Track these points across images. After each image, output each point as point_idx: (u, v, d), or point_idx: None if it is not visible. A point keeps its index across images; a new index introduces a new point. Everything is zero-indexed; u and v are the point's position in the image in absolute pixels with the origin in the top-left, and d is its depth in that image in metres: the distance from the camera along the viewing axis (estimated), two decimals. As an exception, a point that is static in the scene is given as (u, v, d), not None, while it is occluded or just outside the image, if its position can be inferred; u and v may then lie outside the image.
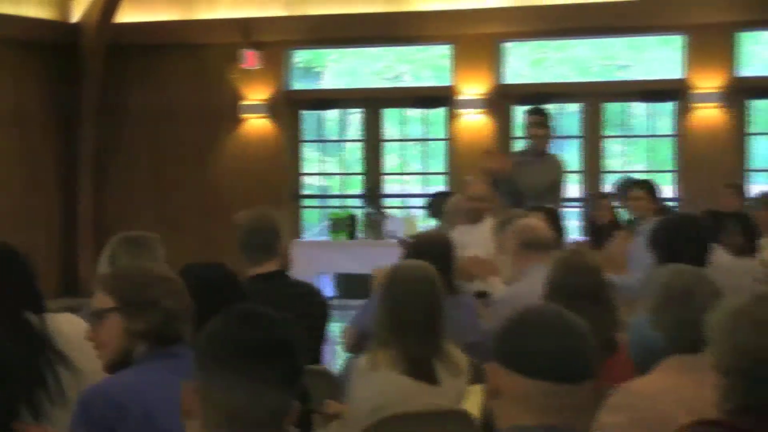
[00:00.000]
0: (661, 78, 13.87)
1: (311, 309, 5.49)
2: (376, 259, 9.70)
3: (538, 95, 13.49)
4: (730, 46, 13.29)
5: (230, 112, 14.78)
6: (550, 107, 12.43)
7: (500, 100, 13.99)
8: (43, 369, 3.85)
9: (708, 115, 13.30)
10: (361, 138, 15.12)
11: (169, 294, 3.42)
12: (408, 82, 15.56)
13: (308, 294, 5.64)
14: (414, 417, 4.29)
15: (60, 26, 14.35)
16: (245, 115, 14.81)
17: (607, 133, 14.08)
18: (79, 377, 3.85)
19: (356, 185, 15.32)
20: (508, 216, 7.19)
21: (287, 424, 2.46)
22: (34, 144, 14.32)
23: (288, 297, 5.29)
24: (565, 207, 10.70)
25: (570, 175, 11.75)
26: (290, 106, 14.92)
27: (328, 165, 15.91)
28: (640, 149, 14.50)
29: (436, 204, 10.76)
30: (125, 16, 14.57)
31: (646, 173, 12.98)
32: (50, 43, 14.27)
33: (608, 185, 12.76)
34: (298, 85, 15.27)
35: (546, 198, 9.24)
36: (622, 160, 14.34)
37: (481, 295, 6.81)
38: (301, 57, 15.46)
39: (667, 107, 13.68)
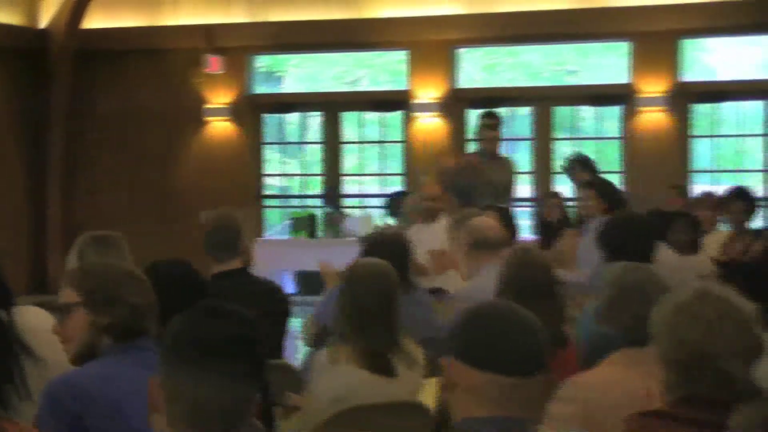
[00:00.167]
0: (608, 83, 13.92)
1: (273, 305, 5.48)
2: (336, 256, 9.66)
3: (490, 99, 13.51)
4: (674, 53, 13.37)
5: (194, 115, 14.72)
6: (503, 111, 12.48)
7: (454, 103, 14.01)
8: (10, 363, 3.82)
9: (653, 118, 13.37)
10: (320, 140, 15.09)
11: (133, 289, 3.40)
12: (366, 86, 15.56)
13: (270, 290, 5.63)
14: (372, 409, 4.29)
15: (28, 32, 14.21)
16: (209, 118, 14.75)
17: (557, 135, 14.12)
18: (45, 370, 3.82)
19: (316, 186, 15.30)
20: (462, 215, 7.20)
21: (250, 417, 2.45)
22: (4, 148, 14.17)
23: (251, 293, 5.28)
24: (517, 206, 10.74)
25: (521, 175, 11.80)
26: (252, 110, 14.88)
27: (289, 166, 15.88)
28: (589, 151, 14.51)
29: (394, 203, 10.79)
30: (92, 22, 14.47)
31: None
32: (19, 49, 14.14)
33: (558, 185, 12.81)
34: (260, 89, 15.22)
35: (498, 198, 9.26)
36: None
37: (436, 291, 6.82)
38: (262, 62, 15.42)
39: (614, 111, 13.75)
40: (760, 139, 13.62)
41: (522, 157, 14.02)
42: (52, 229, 14.44)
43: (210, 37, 14.30)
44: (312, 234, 13.64)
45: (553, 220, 10.28)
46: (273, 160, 15.59)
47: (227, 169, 14.61)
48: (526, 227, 11.15)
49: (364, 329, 4.48)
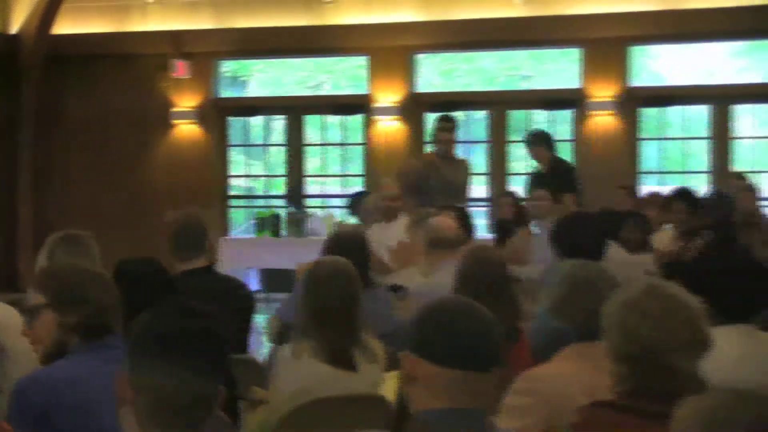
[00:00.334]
0: (561, 87, 13.97)
1: (238, 302, 5.46)
2: (299, 255, 9.65)
3: (448, 103, 13.52)
4: (623, 59, 13.44)
5: (162, 118, 14.65)
6: (459, 114, 12.50)
7: (413, 107, 14.01)
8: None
9: (603, 121, 13.44)
10: (284, 142, 15.07)
11: (98, 289, 3.39)
12: (328, 90, 15.52)
13: (235, 288, 5.62)
14: (333, 402, 4.28)
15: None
16: (176, 121, 14.69)
17: (512, 138, 14.15)
18: (14, 365, 3.78)
19: (280, 186, 15.27)
20: (421, 214, 7.21)
21: (214, 408, 2.44)
22: (-24, 149, 14.06)
23: (216, 291, 5.26)
24: (473, 206, 10.74)
25: (478, 176, 11.82)
26: (218, 113, 14.83)
27: (253, 168, 15.82)
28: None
29: (355, 203, 10.76)
30: (62, 27, 14.36)
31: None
32: (-10, 54, 14.03)
33: (513, 186, 12.83)
34: (226, 93, 15.17)
35: (455, 198, 9.27)
36: (525, 163, 14.40)
37: (396, 288, 6.81)
38: (228, 67, 15.36)
39: (566, 114, 13.79)
40: (704, 142, 13.71)
41: (478, 158, 14.05)
42: (22, 228, 14.31)
43: (177, 42, 14.24)
44: (276, 233, 13.60)
45: (507, 219, 10.28)
46: (238, 162, 15.54)
47: (194, 171, 14.55)
48: (482, 226, 11.16)
49: (325, 325, 4.47)
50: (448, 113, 10.95)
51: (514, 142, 14.08)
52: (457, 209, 7.85)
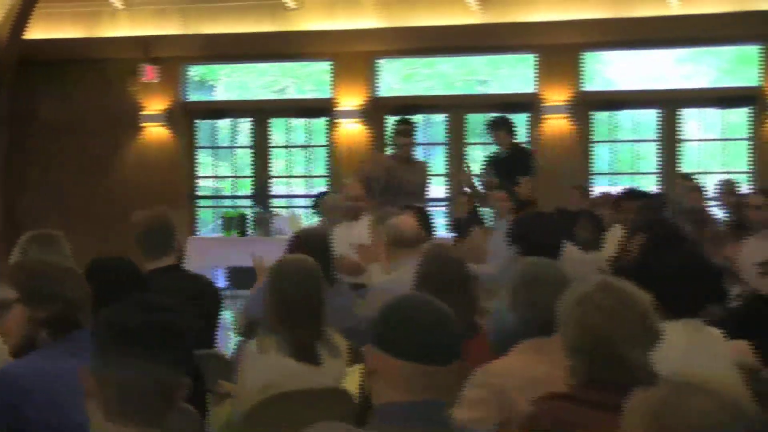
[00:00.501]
0: (516, 92, 14.02)
1: (206, 299, 5.43)
2: (265, 253, 9.61)
3: (408, 107, 13.54)
4: (576, 65, 13.51)
5: (131, 121, 14.59)
6: (419, 117, 12.51)
7: (375, 110, 14.01)
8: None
9: (557, 125, 13.50)
10: (250, 145, 15.04)
11: (67, 284, 3.36)
12: (293, 94, 15.51)
13: (203, 285, 5.59)
14: (298, 395, 4.26)
15: (-28, 42, 13.97)
16: (145, 124, 14.63)
17: (469, 140, 14.18)
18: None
19: (246, 187, 15.23)
20: (382, 214, 7.21)
21: (178, 400, 2.42)
22: (-50, 150, 13.91)
23: (185, 288, 5.23)
24: (432, 206, 10.75)
25: (436, 177, 11.83)
26: (186, 116, 14.77)
27: (220, 169, 15.77)
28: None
29: (320, 203, 10.73)
30: (34, 33, 14.23)
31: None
32: (-36, 58, 13.88)
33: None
34: (193, 96, 15.11)
35: (415, 198, 9.28)
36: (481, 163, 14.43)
37: (357, 286, 6.82)
38: (195, 71, 15.30)
39: (521, 118, 13.82)
40: (653, 145, 13.80)
41: (437, 160, 14.07)
42: (-5, 227, 14.20)
43: (146, 48, 14.18)
44: (242, 232, 13.55)
45: (462, 218, 10.28)
46: (205, 163, 15.48)
47: (163, 172, 14.50)
48: (441, 225, 11.18)
49: (290, 320, 4.45)
50: (406, 117, 10.96)
51: (471, 144, 14.10)
52: (418, 209, 7.86)
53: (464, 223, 10.03)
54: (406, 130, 10.10)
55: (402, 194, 9.25)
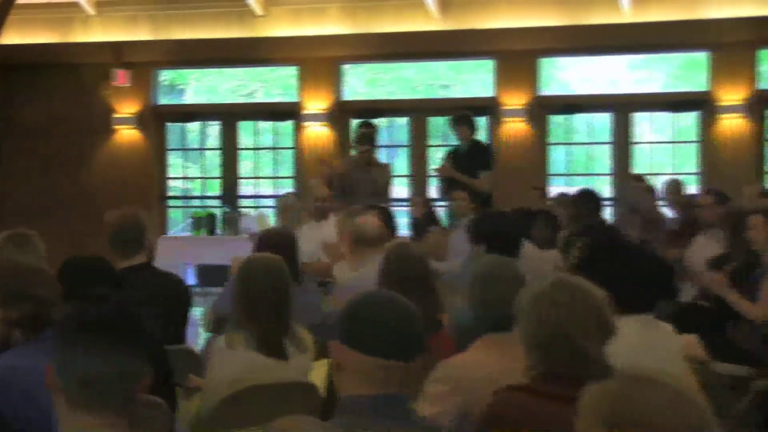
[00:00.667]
0: (476, 96, 14.03)
1: (176, 295, 5.41)
2: (233, 251, 9.59)
3: (372, 110, 13.53)
4: (533, 70, 13.55)
5: (104, 124, 14.49)
6: (383, 121, 12.51)
7: (340, 114, 13.99)
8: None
9: (515, 127, 13.53)
10: (219, 147, 14.98)
11: (39, 284, 3.33)
12: (260, 98, 15.45)
13: (173, 282, 5.56)
14: (265, 388, 4.25)
15: (-51, 47, 13.82)
16: (117, 127, 14.55)
17: (431, 142, 14.19)
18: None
19: (215, 188, 15.17)
20: (347, 213, 7.21)
21: (138, 391, 2.42)
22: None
23: (155, 285, 5.21)
24: (395, 206, 10.76)
25: (399, 178, 11.84)
26: (157, 119, 14.69)
27: (190, 170, 15.70)
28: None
29: (276, 204, 10.70)
30: (9, 38, 14.09)
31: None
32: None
33: (432, 187, 12.86)
34: (164, 100, 15.04)
35: (378, 198, 9.29)
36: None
37: (323, 284, 6.82)
38: (166, 76, 15.23)
39: (482, 121, 13.84)
40: (607, 147, 13.87)
41: (400, 161, 14.08)
42: (-30, 228, 14.04)
43: (118, 53, 14.10)
44: (211, 231, 13.51)
45: (418, 218, 10.27)
46: (176, 165, 15.41)
47: (134, 173, 14.43)
48: (403, 225, 11.18)
49: (258, 316, 4.44)
50: (369, 120, 10.96)
51: (433, 146, 14.12)
52: (381, 209, 7.86)
53: (420, 223, 10.04)
54: (366, 135, 10.11)
55: (366, 194, 9.25)
